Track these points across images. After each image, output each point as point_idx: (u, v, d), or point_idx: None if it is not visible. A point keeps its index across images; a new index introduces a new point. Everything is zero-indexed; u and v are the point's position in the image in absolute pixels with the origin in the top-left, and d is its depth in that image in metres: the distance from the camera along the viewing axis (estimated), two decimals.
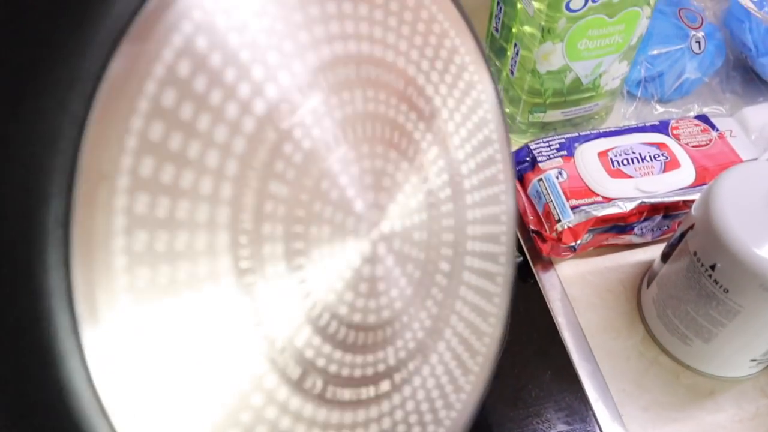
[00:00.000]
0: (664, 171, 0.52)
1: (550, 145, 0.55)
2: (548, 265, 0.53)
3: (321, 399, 0.23)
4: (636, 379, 0.48)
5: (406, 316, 0.27)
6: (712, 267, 0.41)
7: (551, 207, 0.51)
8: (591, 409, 0.46)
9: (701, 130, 0.55)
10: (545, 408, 0.46)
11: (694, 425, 0.46)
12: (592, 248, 0.53)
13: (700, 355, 0.46)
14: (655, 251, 0.54)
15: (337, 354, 0.24)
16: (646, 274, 0.51)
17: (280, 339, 0.22)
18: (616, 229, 0.51)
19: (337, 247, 0.24)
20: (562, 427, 0.45)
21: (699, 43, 0.61)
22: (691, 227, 0.43)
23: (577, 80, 0.55)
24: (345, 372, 0.24)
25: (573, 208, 0.50)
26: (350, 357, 0.24)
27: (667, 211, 0.51)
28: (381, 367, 0.25)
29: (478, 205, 0.31)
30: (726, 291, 0.41)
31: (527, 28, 0.53)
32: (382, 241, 0.26)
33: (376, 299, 0.25)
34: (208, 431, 0.20)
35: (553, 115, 0.58)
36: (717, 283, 0.41)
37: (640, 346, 0.49)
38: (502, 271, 0.33)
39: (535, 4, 0.50)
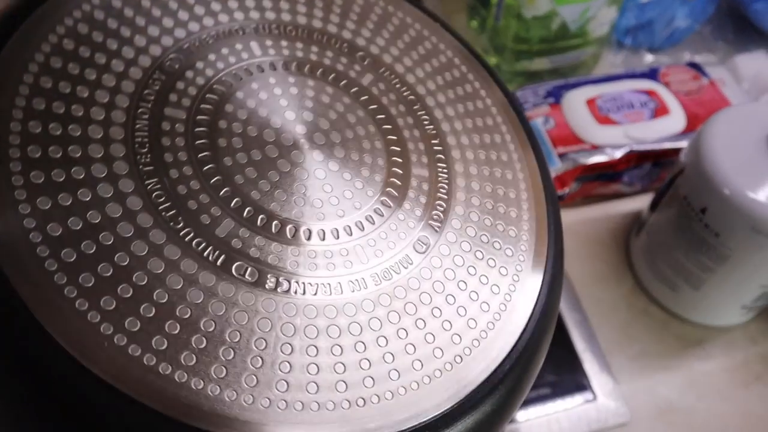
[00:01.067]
0: (654, 117, 0.51)
1: (536, 93, 0.53)
2: None
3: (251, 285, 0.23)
4: (625, 329, 0.47)
5: None
6: (703, 211, 0.40)
7: None
8: (579, 359, 0.45)
9: (692, 77, 0.54)
10: None
11: (682, 374, 0.45)
12: (579, 198, 0.52)
13: (689, 302, 0.45)
14: (644, 201, 0.53)
15: (260, 240, 0.23)
16: (635, 223, 0.50)
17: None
18: (604, 177, 0.50)
19: None
20: (550, 377, 0.44)
21: None
22: (681, 172, 0.42)
23: (564, 26, 0.54)
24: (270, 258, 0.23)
25: (560, 155, 0.49)
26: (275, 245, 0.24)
27: (657, 159, 0.50)
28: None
29: None
30: (717, 235, 0.39)
31: None
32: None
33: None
34: None
35: (540, 63, 0.57)
36: (707, 227, 0.40)
37: (629, 296, 0.48)
38: None
39: None
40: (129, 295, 0.21)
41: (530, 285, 0.28)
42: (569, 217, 0.52)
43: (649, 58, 0.61)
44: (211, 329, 0.21)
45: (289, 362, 0.22)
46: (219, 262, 0.22)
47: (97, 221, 0.21)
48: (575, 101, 0.52)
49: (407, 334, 0.24)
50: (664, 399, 0.44)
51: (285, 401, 0.21)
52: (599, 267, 0.50)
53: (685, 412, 0.44)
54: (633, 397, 0.44)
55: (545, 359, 0.45)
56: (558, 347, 0.46)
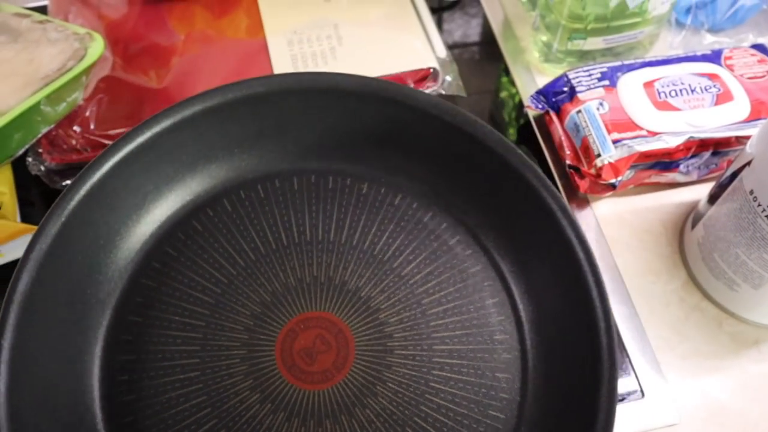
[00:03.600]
0: (716, 104, 0.48)
1: (590, 75, 0.51)
2: (584, 203, 0.50)
3: None
4: (676, 325, 0.45)
5: None
6: None
7: (590, 141, 0.48)
8: (627, 356, 0.43)
9: (758, 61, 0.51)
10: None
11: (736, 376, 0.43)
12: (631, 186, 0.50)
13: (747, 301, 0.43)
14: (700, 191, 0.50)
15: None
16: (690, 215, 0.48)
17: None
18: (660, 165, 0.48)
19: None
20: None
21: None
22: (748, 164, 0.39)
23: (623, 4, 0.51)
24: None
25: (614, 142, 0.47)
26: None
27: (717, 147, 0.47)
28: None
29: None
30: None
31: None
32: None
33: None
34: None
35: (594, 43, 0.54)
36: None
37: (681, 291, 0.46)
38: None
39: None
40: None
41: None
42: (620, 205, 0.50)
43: (709, 39, 0.58)
44: None
45: None
46: None
47: None
48: (632, 84, 0.49)
49: None
50: (715, 400, 0.42)
51: None
52: (650, 259, 0.47)
53: (737, 415, 0.42)
54: (682, 398, 0.42)
55: None
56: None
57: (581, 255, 0.36)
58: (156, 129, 0.37)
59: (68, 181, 0.49)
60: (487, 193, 0.40)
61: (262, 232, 0.39)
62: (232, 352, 0.36)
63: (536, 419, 0.36)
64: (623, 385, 0.42)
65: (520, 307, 0.39)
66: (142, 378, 0.36)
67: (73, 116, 0.47)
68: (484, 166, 0.39)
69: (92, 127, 0.47)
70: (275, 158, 0.41)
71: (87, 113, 0.47)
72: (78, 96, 0.46)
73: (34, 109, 0.43)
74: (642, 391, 0.42)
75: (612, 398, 0.33)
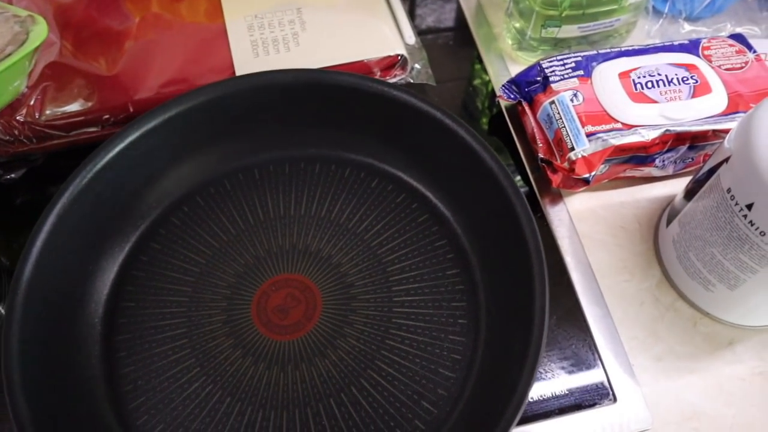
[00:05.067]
0: (693, 96, 0.46)
1: (564, 64, 0.49)
2: (557, 197, 0.48)
3: None
4: (649, 325, 0.43)
5: None
6: (749, 207, 0.36)
7: (564, 133, 0.46)
8: (599, 357, 0.42)
9: (736, 51, 0.49)
10: (549, 355, 0.42)
11: (711, 377, 0.42)
12: (606, 180, 0.48)
13: (722, 302, 0.42)
14: (675, 185, 0.49)
15: None
16: (666, 211, 0.46)
17: None
18: (635, 159, 0.46)
19: None
20: (566, 376, 0.41)
21: None
22: (726, 161, 0.37)
23: None
24: None
25: (588, 135, 0.45)
26: None
27: (694, 141, 0.46)
28: None
29: None
30: (762, 234, 0.36)
31: None
32: None
33: None
34: None
35: (569, 31, 0.52)
36: (752, 224, 0.36)
37: (656, 290, 0.45)
38: None
39: None
40: None
41: None
42: (594, 201, 0.48)
43: (686, 28, 0.56)
44: None
45: None
46: None
47: None
48: (607, 75, 0.47)
49: None
50: (689, 404, 0.41)
51: None
52: (624, 257, 0.46)
53: (712, 419, 0.41)
54: (655, 401, 0.41)
55: (563, 357, 0.41)
56: (576, 344, 0.42)
57: (495, 168, 0.41)
58: (129, 138, 0.42)
59: (12, 175, 0.46)
60: (418, 148, 0.45)
61: (232, 217, 0.45)
62: (214, 318, 0.41)
63: (491, 338, 0.40)
64: (595, 390, 0.41)
65: (464, 240, 0.43)
66: (139, 352, 0.40)
67: (16, 105, 0.44)
68: (409, 123, 0.44)
69: (37, 116, 0.44)
70: (235, 155, 0.46)
71: (31, 102, 0.45)
72: (21, 84, 0.43)
73: None
74: (614, 395, 0.41)
75: (543, 297, 0.37)
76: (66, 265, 0.40)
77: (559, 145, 0.46)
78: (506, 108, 0.52)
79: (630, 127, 0.45)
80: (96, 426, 0.38)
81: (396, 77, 0.49)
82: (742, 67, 0.48)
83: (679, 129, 0.45)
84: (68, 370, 0.38)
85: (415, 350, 0.40)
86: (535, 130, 0.48)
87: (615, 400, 0.41)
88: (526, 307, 0.37)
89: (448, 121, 0.42)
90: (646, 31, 0.56)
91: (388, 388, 0.39)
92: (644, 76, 0.47)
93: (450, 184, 0.44)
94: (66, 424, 0.36)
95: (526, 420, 0.40)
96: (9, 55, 0.40)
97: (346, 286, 0.42)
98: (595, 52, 0.49)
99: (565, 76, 0.48)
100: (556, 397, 0.41)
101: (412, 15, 0.60)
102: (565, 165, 0.45)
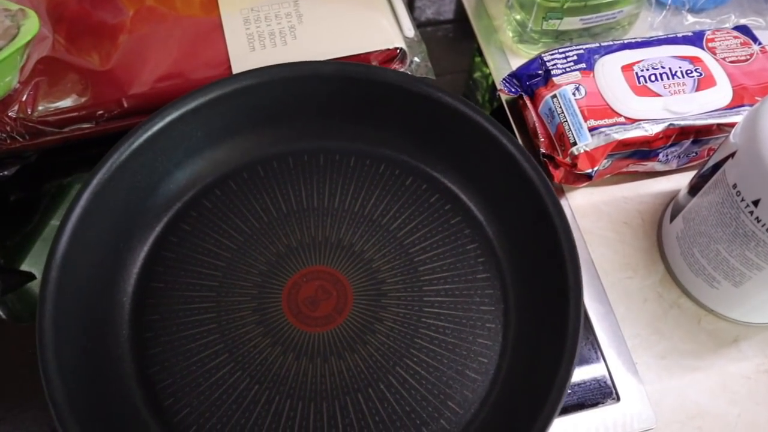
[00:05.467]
0: (697, 89, 0.45)
1: (566, 57, 0.48)
2: (559, 193, 0.47)
3: None
4: (653, 323, 0.43)
5: None
6: (755, 203, 0.35)
7: (566, 128, 0.45)
8: (602, 355, 0.41)
9: (741, 43, 0.48)
10: None
11: (715, 375, 0.41)
12: (608, 175, 0.47)
13: (727, 299, 0.41)
14: (679, 180, 0.48)
15: None
16: (669, 207, 0.45)
17: None
18: (638, 154, 0.45)
19: None
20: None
21: None
22: (731, 155, 0.37)
23: None
24: None
25: (591, 129, 0.44)
26: None
27: (698, 135, 0.45)
28: None
29: None
30: None
31: None
32: None
33: None
34: None
35: (570, 23, 0.51)
36: (759, 221, 0.35)
37: (659, 286, 0.44)
38: None
39: None
40: None
41: None
42: (596, 196, 0.47)
43: (690, 20, 0.55)
44: None
45: None
46: None
47: None
48: (610, 68, 0.46)
49: None
50: (693, 403, 0.41)
51: None
52: (628, 253, 0.45)
53: (716, 417, 0.40)
54: (659, 400, 0.40)
55: None
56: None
57: (535, 177, 0.40)
58: (167, 118, 0.42)
59: (5, 172, 0.45)
60: (456, 150, 0.44)
61: (265, 205, 0.44)
62: (244, 305, 0.41)
63: (520, 344, 0.40)
64: (598, 389, 0.40)
65: (496, 245, 0.43)
66: (166, 334, 0.40)
67: (8, 101, 0.43)
68: (451, 125, 0.44)
69: (30, 112, 0.44)
70: (270, 143, 0.46)
71: (24, 97, 0.44)
72: (12, 79, 0.42)
73: None
74: (617, 394, 0.40)
75: (578, 311, 0.36)
76: (98, 243, 0.40)
77: (561, 139, 0.45)
78: (507, 102, 0.52)
79: (633, 121, 0.44)
80: (124, 405, 0.38)
81: None
82: (747, 60, 0.47)
83: (683, 123, 0.44)
84: (99, 349, 0.39)
85: (443, 350, 0.40)
86: (537, 124, 0.47)
87: (618, 398, 0.40)
88: (559, 316, 0.36)
89: (489, 127, 0.42)
90: (649, 23, 0.55)
91: (416, 386, 0.39)
92: (647, 69, 0.46)
93: (486, 188, 0.44)
94: (97, 402, 0.36)
95: None
96: (0, 50, 0.39)
97: (377, 283, 0.42)
98: (597, 44, 0.48)
99: (567, 69, 0.47)
100: None
101: (411, 7, 0.59)
102: (568, 160, 0.45)
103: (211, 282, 0.42)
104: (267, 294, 0.41)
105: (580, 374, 0.41)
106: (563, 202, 0.47)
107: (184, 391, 0.38)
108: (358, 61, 0.47)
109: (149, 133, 0.41)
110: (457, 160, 0.45)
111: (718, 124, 0.44)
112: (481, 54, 0.55)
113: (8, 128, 0.43)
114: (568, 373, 0.34)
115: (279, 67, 0.44)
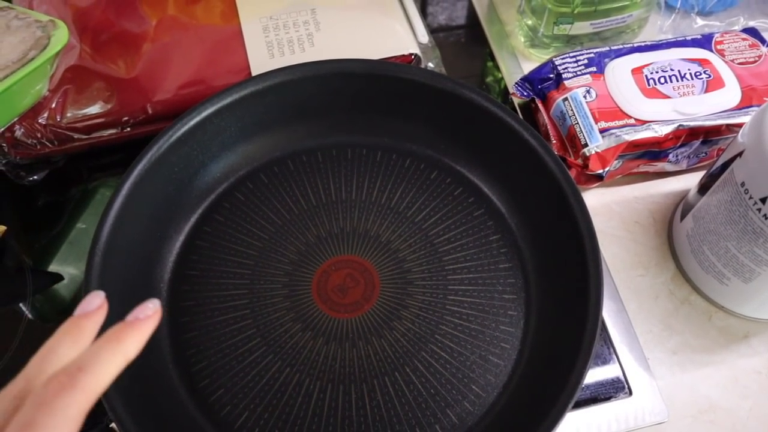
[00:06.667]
0: (706, 91, 0.46)
1: (577, 61, 0.49)
2: None
3: None
4: (664, 319, 0.44)
5: None
6: (763, 200, 0.36)
7: (577, 130, 0.46)
8: (615, 351, 0.42)
9: (749, 45, 0.49)
10: None
11: (726, 370, 0.42)
12: (619, 176, 0.48)
13: (737, 295, 0.42)
14: (689, 180, 0.49)
15: None
16: (680, 206, 0.46)
17: None
18: (648, 155, 0.46)
19: None
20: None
21: None
22: (739, 155, 0.38)
23: None
24: None
25: (602, 131, 0.45)
26: None
27: (707, 136, 0.46)
28: None
29: None
30: None
31: None
32: None
33: None
34: None
35: (581, 27, 0.52)
36: (767, 218, 0.36)
37: (670, 284, 0.45)
38: None
39: None
40: None
41: None
42: (607, 196, 0.49)
43: (699, 23, 0.56)
44: None
45: None
46: None
47: None
48: (620, 71, 0.47)
49: None
50: (705, 397, 0.41)
51: None
52: (639, 251, 0.46)
53: (728, 412, 0.41)
54: (671, 395, 0.41)
55: None
56: None
57: (556, 170, 0.41)
58: (204, 113, 0.43)
59: (35, 177, 0.47)
60: (479, 145, 0.46)
61: (295, 197, 0.46)
62: (275, 292, 0.43)
63: (540, 332, 0.41)
64: (611, 384, 0.41)
65: (518, 236, 0.45)
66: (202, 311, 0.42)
67: (38, 108, 0.45)
68: (474, 121, 0.45)
69: (59, 119, 0.45)
70: (300, 138, 0.48)
71: (53, 105, 0.45)
72: (42, 87, 0.44)
73: None
74: (630, 388, 0.41)
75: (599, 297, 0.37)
76: (137, 230, 0.42)
77: (573, 141, 0.46)
78: (519, 105, 0.53)
79: (643, 122, 0.45)
80: (163, 385, 0.39)
81: None
82: (755, 61, 0.48)
83: (692, 124, 0.45)
84: None
85: (466, 336, 0.41)
86: (549, 126, 0.48)
87: (630, 393, 0.41)
88: (579, 306, 0.38)
89: (512, 122, 0.43)
90: (659, 26, 0.56)
91: (440, 371, 0.40)
92: (657, 72, 0.47)
93: (508, 182, 0.45)
94: (139, 384, 0.37)
95: None
96: (32, 59, 0.41)
97: (403, 272, 0.43)
98: (607, 48, 0.49)
99: (578, 72, 0.48)
100: None
101: (424, 13, 0.60)
102: (579, 161, 0.46)
103: (244, 270, 0.43)
104: (297, 281, 0.43)
105: (594, 369, 0.42)
106: None
107: (218, 373, 0.40)
108: None
109: (187, 126, 0.43)
110: (481, 155, 0.46)
111: (727, 125, 0.45)
112: (493, 59, 0.56)
113: (38, 134, 0.45)
114: (588, 356, 0.36)
115: (313, 65, 0.45)
